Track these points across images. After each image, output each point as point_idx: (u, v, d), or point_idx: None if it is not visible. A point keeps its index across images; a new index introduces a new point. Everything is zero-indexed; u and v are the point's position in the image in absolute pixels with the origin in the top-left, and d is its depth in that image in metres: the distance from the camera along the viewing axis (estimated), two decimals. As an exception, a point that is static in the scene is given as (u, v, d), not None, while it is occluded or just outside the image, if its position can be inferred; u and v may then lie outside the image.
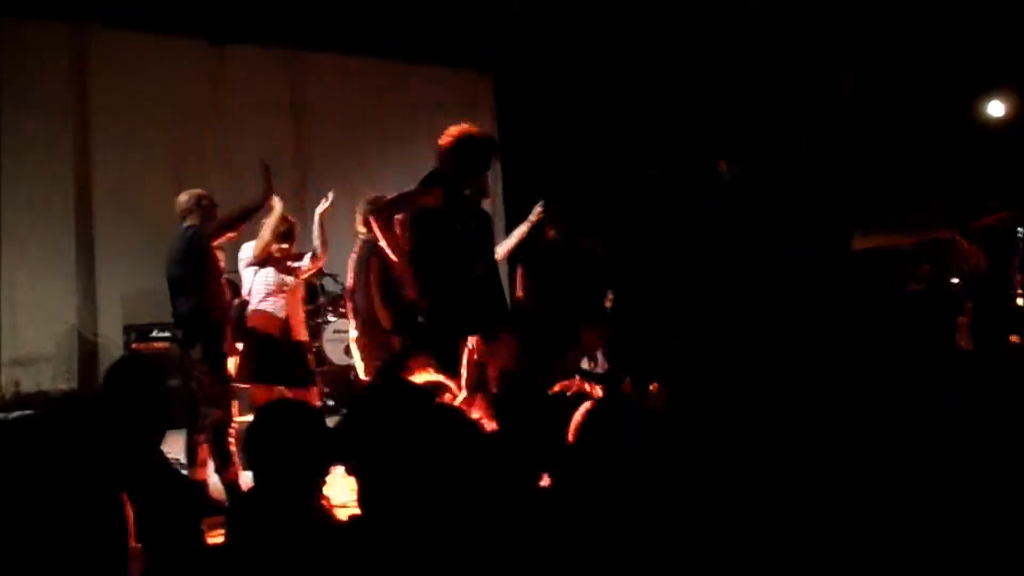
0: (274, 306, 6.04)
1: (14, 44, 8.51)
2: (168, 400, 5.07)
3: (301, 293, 6.52)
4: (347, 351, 7.98)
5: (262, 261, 6.05)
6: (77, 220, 8.80)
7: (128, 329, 8.04)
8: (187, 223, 5.52)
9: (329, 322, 8.54)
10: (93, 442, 2.80)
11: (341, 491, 4.81)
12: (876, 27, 8.79)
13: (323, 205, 6.41)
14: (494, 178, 10.76)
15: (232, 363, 5.86)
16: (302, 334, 6.29)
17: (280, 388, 5.86)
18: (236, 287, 6.43)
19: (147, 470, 3.18)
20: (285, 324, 6.03)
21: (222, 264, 5.94)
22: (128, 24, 8.94)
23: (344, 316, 8.26)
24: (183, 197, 5.60)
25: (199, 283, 5.44)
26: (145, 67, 9.11)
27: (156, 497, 2.89)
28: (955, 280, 8.50)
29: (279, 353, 5.93)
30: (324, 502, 4.29)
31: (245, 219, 5.73)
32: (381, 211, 4.94)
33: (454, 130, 4.98)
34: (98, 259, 8.86)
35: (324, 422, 2.80)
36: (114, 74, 8.97)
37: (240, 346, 6.02)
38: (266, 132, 9.62)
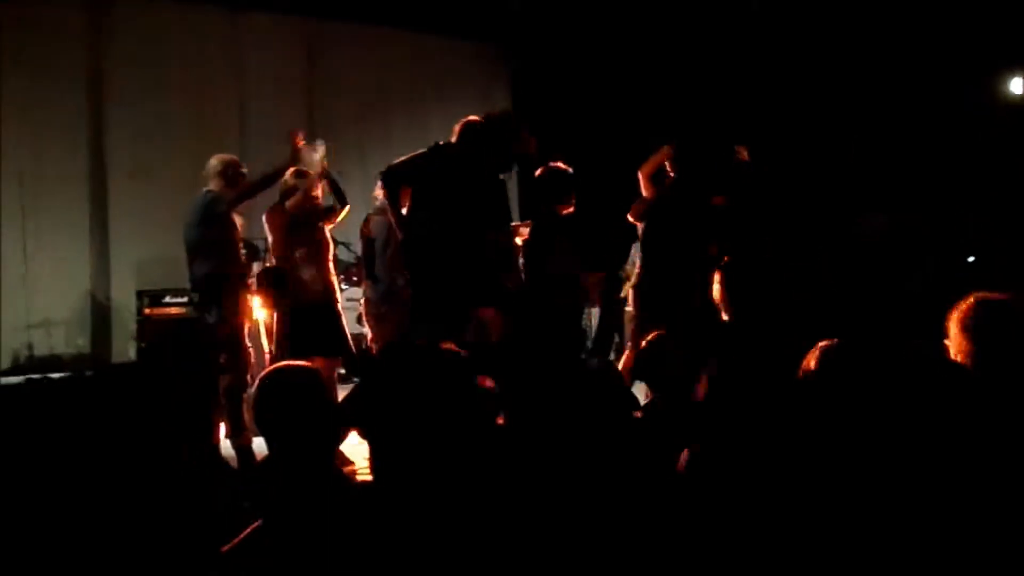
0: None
1: (30, 12, 8.50)
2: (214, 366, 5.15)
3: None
4: (359, 319, 7.98)
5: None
6: (91, 186, 8.84)
7: (141, 294, 8.05)
8: (207, 187, 5.52)
9: (342, 290, 8.54)
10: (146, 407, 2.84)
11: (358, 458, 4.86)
12: (895, 6, 8.72)
13: (317, 156, 6.08)
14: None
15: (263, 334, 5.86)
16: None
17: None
18: (255, 250, 6.38)
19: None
20: (325, 289, 5.91)
21: (240, 229, 5.89)
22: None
23: (356, 284, 8.26)
24: (213, 161, 5.56)
25: (215, 247, 5.43)
26: (160, 34, 9.12)
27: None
28: (971, 259, 8.48)
29: (316, 322, 5.82)
30: (344, 468, 4.31)
31: (266, 186, 5.69)
32: (388, 173, 4.96)
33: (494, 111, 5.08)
34: (112, 225, 8.90)
35: (324, 385, 2.79)
36: (129, 41, 8.97)
37: (266, 314, 5.98)
38: (280, 99, 9.62)
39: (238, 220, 6.84)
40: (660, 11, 9.40)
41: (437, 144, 5.15)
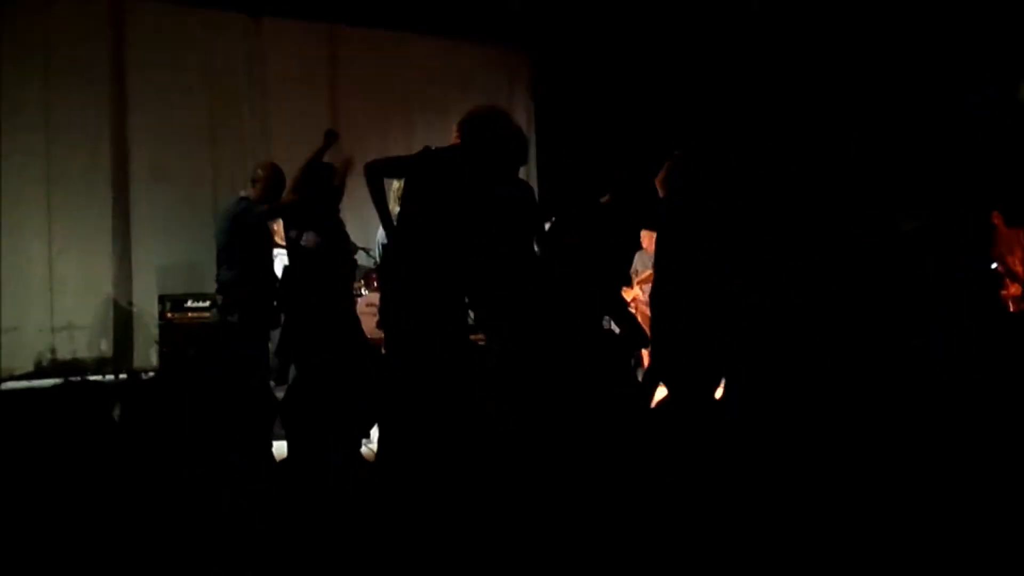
0: None
1: (54, 17, 8.56)
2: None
3: None
4: (379, 324, 7.97)
5: None
6: (114, 191, 8.88)
7: (163, 299, 8.10)
8: (244, 193, 5.59)
9: (362, 295, 8.55)
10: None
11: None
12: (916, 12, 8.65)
13: None
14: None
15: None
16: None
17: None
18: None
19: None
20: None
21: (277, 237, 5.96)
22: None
23: (377, 290, 8.28)
24: (259, 167, 5.65)
25: (243, 253, 5.49)
26: (183, 39, 9.15)
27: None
28: (995, 265, 8.38)
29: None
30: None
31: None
32: (371, 166, 4.79)
33: (477, 108, 4.92)
34: (134, 230, 8.93)
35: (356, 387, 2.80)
36: (152, 46, 9.01)
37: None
38: (302, 105, 9.65)
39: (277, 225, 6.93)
40: (678, 15, 9.35)
41: (428, 148, 4.99)
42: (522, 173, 10.50)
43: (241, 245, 5.48)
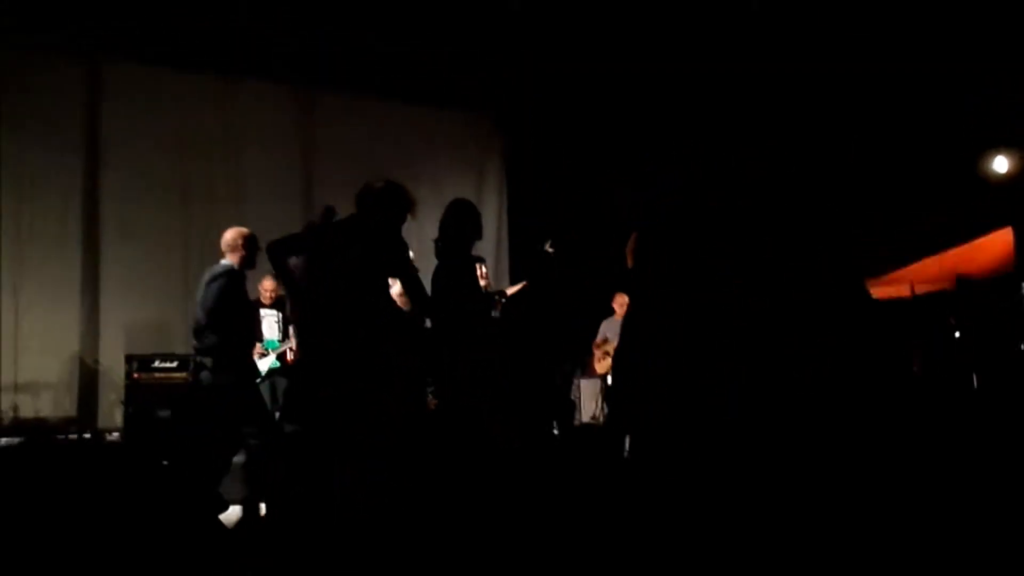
0: None
1: (28, 77, 8.60)
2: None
3: None
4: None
5: None
6: (83, 250, 8.84)
7: (130, 359, 8.04)
8: (225, 260, 5.64)
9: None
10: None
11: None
12: (881, 89, 8.81)
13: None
14: (500, 218, 10.87)
15: None
16: None
17: None
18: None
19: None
20: None
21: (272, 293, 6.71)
22: (140, 58, 9.05)
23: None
24: (228, 234, 5.70)
25: (227, 320, 5.56)
26: (157, 100, 9.20)
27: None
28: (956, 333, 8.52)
29: None
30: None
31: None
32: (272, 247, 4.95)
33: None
34: (102, 289, 8.88)
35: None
36: (125, 107, 9.05)
37: None
38: (273, 167, 9.70)
39: (268, 285, 7.21)
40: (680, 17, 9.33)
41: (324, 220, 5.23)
42: (494, 233, 10.68)
43: (226, 311, 5.56)
